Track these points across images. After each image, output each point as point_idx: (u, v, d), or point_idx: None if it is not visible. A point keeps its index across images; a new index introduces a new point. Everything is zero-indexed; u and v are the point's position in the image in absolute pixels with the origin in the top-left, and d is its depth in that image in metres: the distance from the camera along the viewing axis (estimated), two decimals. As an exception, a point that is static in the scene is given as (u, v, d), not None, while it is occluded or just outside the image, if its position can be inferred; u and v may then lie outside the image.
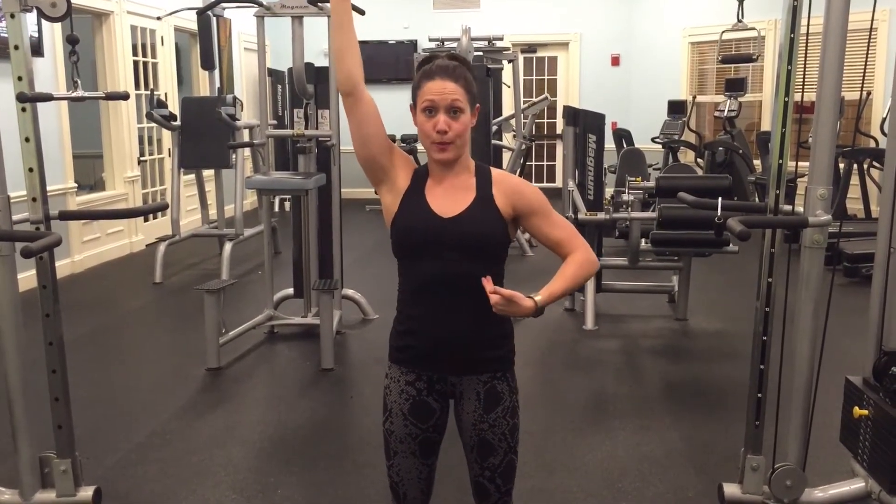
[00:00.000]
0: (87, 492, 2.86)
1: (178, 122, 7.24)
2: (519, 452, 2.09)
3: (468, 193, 1.98)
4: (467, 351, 2.00)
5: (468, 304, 1.93)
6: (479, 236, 1.95)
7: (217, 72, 8.43)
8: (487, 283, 1.85)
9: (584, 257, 1.99)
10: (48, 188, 2.82)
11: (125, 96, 3.25)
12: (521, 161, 8.42)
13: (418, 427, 2.06)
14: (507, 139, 9.09)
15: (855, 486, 2.73)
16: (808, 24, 2.53)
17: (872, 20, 2.71)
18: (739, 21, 5.00)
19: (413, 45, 11.49)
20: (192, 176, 7.93)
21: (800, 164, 2.97)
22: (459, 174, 2.01)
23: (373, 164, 2.01)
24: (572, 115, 6.45)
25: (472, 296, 1.89)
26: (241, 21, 9.62)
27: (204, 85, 9.17)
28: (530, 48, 11.86)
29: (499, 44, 7.84)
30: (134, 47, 8.15)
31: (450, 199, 1.98)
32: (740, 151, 9.00)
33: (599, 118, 5.97)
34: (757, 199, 7.89)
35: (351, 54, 1.98)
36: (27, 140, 2.71)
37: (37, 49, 6.47)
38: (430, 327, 1.99)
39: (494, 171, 2.06)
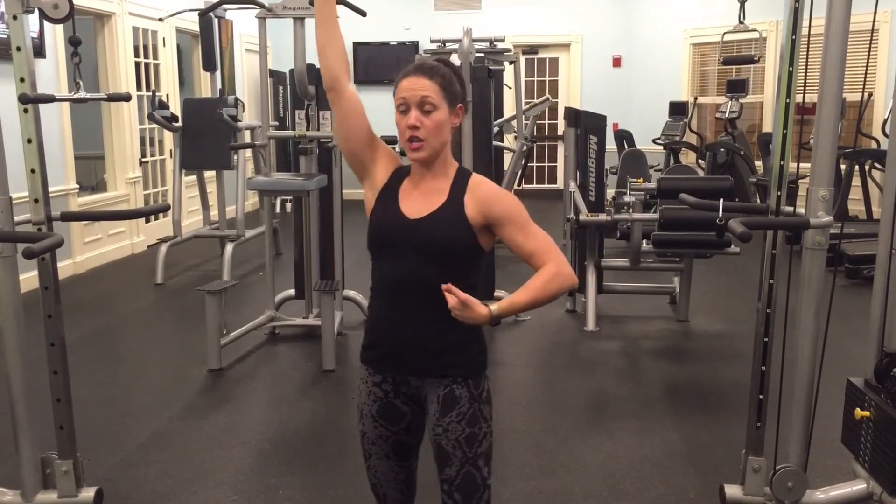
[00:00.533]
0: (88, 492, 2.87)
1: (179, 124, 7.24)
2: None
3: (439, 197, 1.95)
4: (427, 354, 1.95)
5: (430, 307, 1.89)
6: (441, 240, 1.91)
7: (219, 73, 8.43)
8: (447, 287, 1.81)
9: (554, 270, 1.89)
10: (50, 189, 2.83)
11: (127, 97, 3.26)
12: (523, 162, 8.42)
13: (388, 429, 2.03)
14: (509, 140, 9.09)
15: (856, 487, 2.74)
16: (810, 26, 2.53)
17: (874, 21, 2.72)
18: (741, 22, 4.99)
19: (414, 46, 11.49)
20: (194, 177, 7.93)
21: (801, 165, 2.97)
22: (437, 176, 1.97)
23: (354, 159, 2.03)
24: (573, 116, 6.45)
25: (435, 300, 1.84)
26: (243, 22, 9.63)
27: (205, 86, 9.18)
28: (532, 49, 11.85)
29: (500, 45, 7.83)
30: (136, 48, 8.16)
31: (421, 201, 1.95)
32: (742, 153, 9.00)
33: (601, 119, 5.97)
34: (758, 201, 7.88)
35: (333, 50, 2.00)
36: (29, 141, 2.72)
37: (39, 50, 6.48)
38: (392, 328, 1.97)
39: (475, 177, 1.99)
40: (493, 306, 1.85)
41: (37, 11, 2.69)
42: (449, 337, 1.94)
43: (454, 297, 1.79)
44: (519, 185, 8.39)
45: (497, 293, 5.37)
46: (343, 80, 2.01)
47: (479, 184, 1.98)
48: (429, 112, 1.90)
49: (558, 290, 1.90)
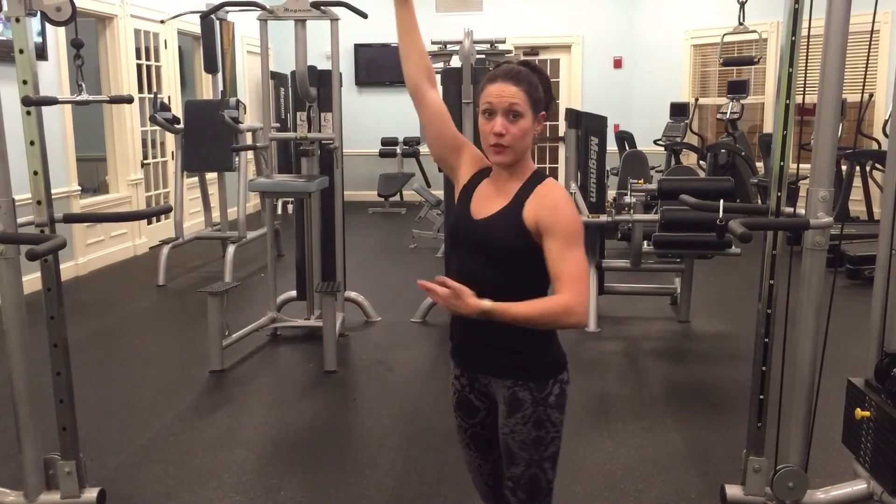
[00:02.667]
0: (91, 493, 2.88)
1: (181, 126, 7.25)
2: (556, 474, 2.00)
3: (504, 199, 1.95)
4: (487, 352, 1.98)
5: None
6: (497, 242, 1.92)
7: (220, 75, 8.45)
8: (441, 279, 1.77)
9: (566, 302, 1.80)
10: (52, 191, 2.83)
11: (129, 100, 3.26)
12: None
13: (465, 421, 2.10)
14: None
15: (857, 487, 2.74)
16: (810, 27, 2.53)
17: (874, 22, 2.72)
18: (741, 24, 5.01)
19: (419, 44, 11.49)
20: (196, 179, 7.94)
21: (801, 166, 2.97)
22: (510, 180, 1.96)
23: (443, 162, 2.10)
24: (574, 117, 6.45)
25: (494, 299, 1.79)
26: (245, 24, 9.63)
27: (207, 88, 9.19)
28: (532, 51, 11.86)
29: (501, 47, 7.83)
30: (137, 51, 8.17)
31: (488, 201, 1.97)
32: (742, 153, 9.01)
33: (602, 120, 5.97)
34: (759, 202, 7.89)
35: (411, 59, 2.06)
36: (32, 143, 2.73)
37: (41, 53, 6.49)
38: (459, 324, 2.01)
39: (547, 182, 1.94)
40: (487, 303, 1.79)
41: (39, 14, 2.70)
42: (508, 338, 1.92)
43: (445, 285, 1.76)
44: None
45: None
46: (423, 87, 2.05)
47: (548, 190, 1.92)
48: (515, 119, 1.88)
49: (558, 321, 1.84)
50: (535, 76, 1.93)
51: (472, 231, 1.97)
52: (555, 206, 1.89)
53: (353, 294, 5.68)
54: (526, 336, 1.91)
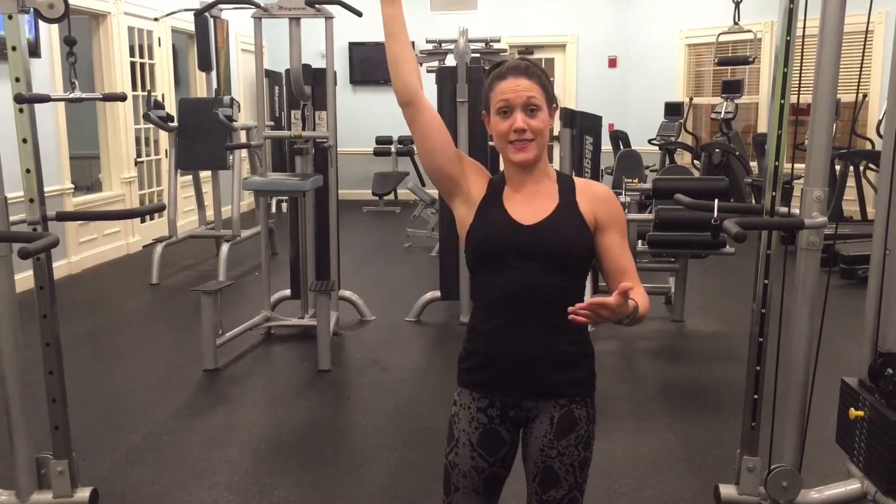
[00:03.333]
0: (83, 493, 2.86)
1: (175, 124, 7.24)
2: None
3: (550, 200, 1.85)
4: (546, 370, 1.84)
5: (548, 319, 1.79)
6: (562, 245, 1.81)
7: (214, 73, 8.44)
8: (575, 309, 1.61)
9: (647, 299, 1.79)
10: (45, 189, 2.82)
11: (123, 97, 3.25)
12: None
13: (485, 460, 1.89)
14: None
15: (851, 487, 2.74)
16: (805, 27, 2.53)
17: (868, 22, 2.72)
18: (736, 23, 5.01)
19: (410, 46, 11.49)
20: (189, 177, 7.93)
21: (796, 165, 2.98)
22: (540, 180, 1.87)
23: (442, 176, 1.89)
24: (569, 116, 6.45)
25: (557, 310, 1.69)
26: (239, 22, 9.62)
27: (201, 86, 9.17)
28: (527, 50, 11.83)
29: (496, 45, 7.84)
30: (131, 48, 8.15)
31: (531, 206, 1.84)
32: (737, 153, 9.02)
33: (596, 120, 5.97)
34: (753, 201, 7.90)
35: (406, 64, 1.90)
36: (24, 141, 2.71)
37: (34, 50, 6.47)
38: (506, 344, 1.82)
39: (580, 180, 1.92)
40: (632, 301, 1.68)
41: (32, 11, 2.69)
42: (572, 351, 1.85)
43: (609, 300, 1.59)
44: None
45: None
46: (421, 93, 1.88)
47: (587, 184, 1.91)
48: (534, 112, 1.81)
49: (645, 314, 1.79)
50: (539, 68, 1.86)
51: (523, 238, 1.81)
52: (608, 199, 1.88)
53: (347, 293, 5.67)
54: (583, 348, 1.88)
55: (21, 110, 2.70)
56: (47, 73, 6.75)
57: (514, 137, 1.80)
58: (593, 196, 1.86)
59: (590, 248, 1.84)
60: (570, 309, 1.59)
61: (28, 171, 2.73)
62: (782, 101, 2.59)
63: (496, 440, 1.89)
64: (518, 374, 1.84)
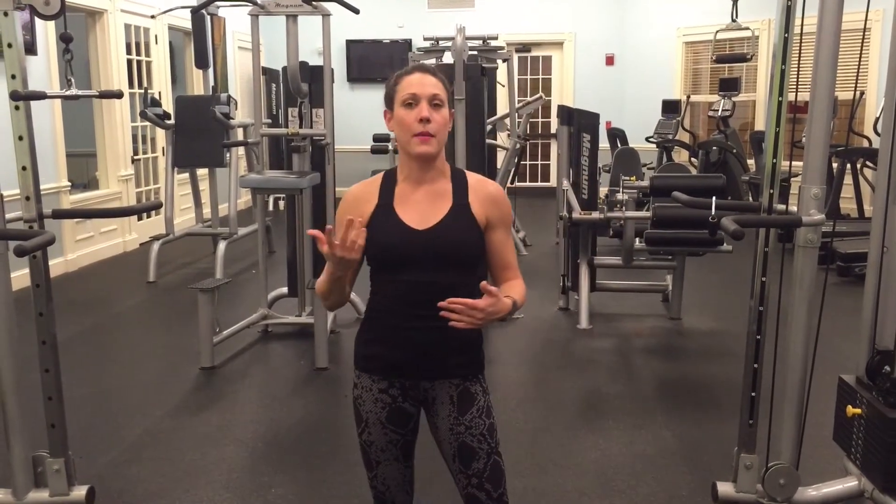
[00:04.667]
0: (80, 491, 2.86)
1: (172, 121, 7.22)
2: (504, 454, 2.06)
3: (444, 201, 1.97)
4: (441, 357, 1.99)
5: (440, 310, 1.85)
6: (454, 246, 1.95)
7: (211, 70, 8.40)
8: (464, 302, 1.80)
9: (523, 287, 2.03)
10: (41, 187, 2.81)
11: (119, 95, 3.24)
12: (516, 160, 8.42)
13: (398, 433, 2.05)
14: (502, 138, 9.09)
15: (848, 484, 2.75)
16: (802, 24, 2.53)
17: (866, 20, 2.72)
18: (733, 21, 5.02)
19: (408, 44, 11.48)
20: (186, 175, 7.91)
21: (793, 163, 2.98)
22: (436, 179, 1.99)
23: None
24: (567, 114, 6.46)
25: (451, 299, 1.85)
26: (236, 19, 9.61)
27: (198, 83, 9.15)
28: (525, 47, 11.86)
29: (493, 43, 7.83)
30: (128, 46, 8.13)
31: (424, 209, 1.96)
32: (734, 151, 9.03)
33: (594, 117, 5.97)
34: (751, 199, 7.90)
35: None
36: (20, 138, 2.71)
37: (30, 47, 6.45)
38: (403, 336, 1.97)
39: (470, 176, 2.04)
40: (513, 296, 1.93)
41: (28, 8, 2.68)
42: (462, 338, 1.95)
43: (469, 305, 1.79)
44: (512, 182, 8.39)
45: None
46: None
47: (481, 182, 2.03)
48: (438, 107, 1.93)
49: (522, 304, 2.00)
50: (442, 75, 2.00)
51: (419, 243, 1.94)
52: (496, 199, 2.02)
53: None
54: (474, 334, 2.02)
55: (17, 107, 2.69)
56: (43, 70, 6.74)
57: (420, 129, 1.91)
58: (486, 197, 2.00)
59: (480, 246, 2.00)
60: (443, 314, 1.79)
61: (24, 168, 2.72)
62: (780, 99, 2.59)
63: (403, 415, 2.05)
64: (415, 361, 2.00)
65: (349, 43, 11.64)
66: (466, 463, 2.01)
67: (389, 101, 1.98)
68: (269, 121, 8.99)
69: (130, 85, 8.16)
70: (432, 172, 1.99)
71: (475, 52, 7.35)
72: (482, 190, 2.01)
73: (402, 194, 1.99)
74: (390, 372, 2.02)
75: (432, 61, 6.89)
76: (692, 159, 9.99)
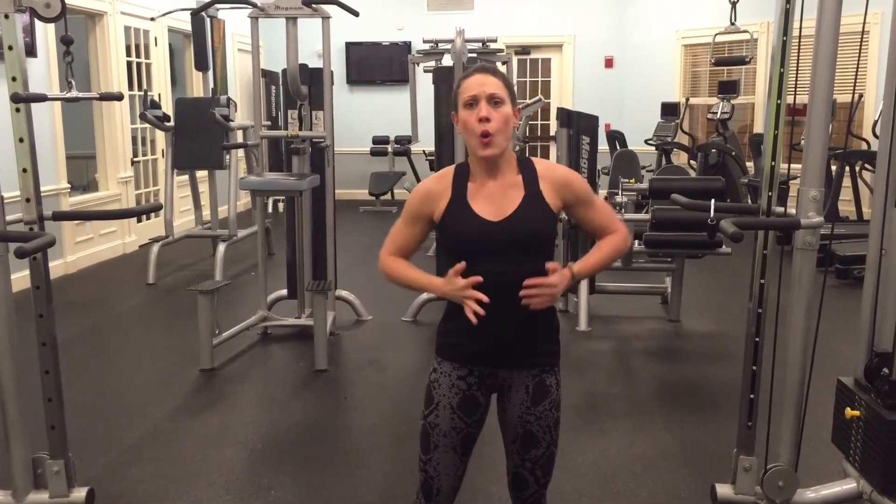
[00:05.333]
0: (80, 493, 2.86)
1: (171, 123, 7.23)
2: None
3: (516, 191, 2.03)
4: (522, 346, 2.06)
5: (519, 299, 1.96)
6: (531, 235, 2.02)
7: (211, 73, 8.42)
8: (530, 282, 1.94)
9: (619, 239, 2.11)
10: (42, 189, 2.82)
11: (119, 97, 3.25)
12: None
13: (464, 421, 2.10)
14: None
15: (847, 486, 2.75)
16: (801, 27, 2.54)
17: (864, 23, 2.73)
18: (732, 24, 5.03)
19: (407, 46, 11.49)
20: (186, 177, 7.92)
21: (792, 166, 2.98)
22: (505, 173, 2.04)
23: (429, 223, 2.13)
24: (566, 116, 6.46)
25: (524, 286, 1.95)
26: (235, 22, 9.60)
27: (198, 86, 9.15)
28: (524, 50, 11.87)
29: (493, 45, 7.85)
30: (127, 48, 8.14)
31: (497, 201, 2.02)
32: (733, 153, 9.03)
33: (593, 120, 5.98)
34: (749, 201, 7.91)
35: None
36: (21, 140, 2.71)
37: (30, 50, 6.46)
38: (484, 325, 1.98)
39: (538, 162, 2.10)
40: (575, 266, 2.04)
41: (28, 10, 2.69)
42: (544, 327, 2.08)
43: (543, 283, 1.93)
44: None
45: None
46: (404, 257, 2.20)
47: (548, 169, 2.10)
48: (498, 105, 1.98)
49: (620, 252, 2.14)
50: (504, 74, 2.07)
51: (495, 234, 2.00)
52: (566, 180, 2.09)
53: (343, 293, 5.67)
54: (553, 325, 2.12)
55: (17, 110, 2.69)
56: (44, 72, 6.74)
57: (481, 129, 1.96)
58: (556, 182, 2.07)
59: (553, 231, 2.10)
60: (524, 302, 1.94)
61: (24, 170, 2.72)
62: (779, 102, 2.59)
63: (473, 404, 2.11)
64: (497, 350, 2.06)
65: (349, 45, 11.65)
66: (527, 448, 2.11)
67: (455, 105, 2.04)
68: (269, 123, 9.01)
69: (130, 87, 8.17)
70: (502, 166, 2.04)
71: (474, 55, 7.36)
72: (551, 175, 2.07)
73: (475, 189, 2.05)
74: (471, 360, 2.09)
75: (432, 64, 6.90)
76: (691, 162, 10.00)
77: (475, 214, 2.01)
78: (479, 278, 1.94)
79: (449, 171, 2.10)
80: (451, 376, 2.10)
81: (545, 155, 12.11)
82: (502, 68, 8.86)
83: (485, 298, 1.92)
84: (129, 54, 8.16)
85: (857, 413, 2.60)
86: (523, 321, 1.99)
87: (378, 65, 11.71)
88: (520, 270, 1.96)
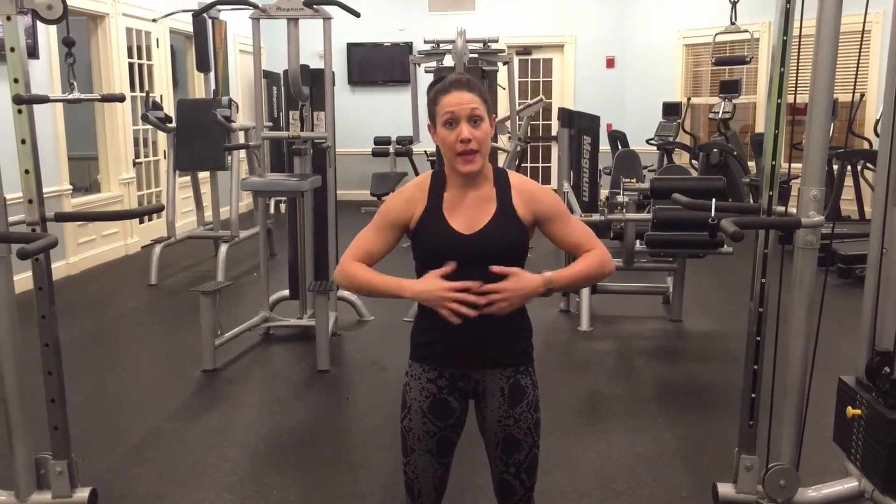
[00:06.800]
0: (83, 493, 2.86)
1: (173, 124, 7.23)
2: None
3: (489, 205, 2.01)
4: (491, 346, 2.04)
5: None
6: (500, 248, 1.99)
7: (212, 74, 8.43)
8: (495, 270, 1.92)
9: (601, 255, 2.04)
10: (44, 190, 2.82)
11: (121, 98, 3.26)
12: (517, 163, 8.43)
13: (436, 425, 2.09)
14: (503, 141, 9.10)
15: (848, 485, 2.75)
16: (801, 27, 2.54)
17: (865, 22, 2.73)
18: (733, 23, 5.03)
19: (408, 47, 11.50)
20: (188, 178, 7.93)
21: (793, 165, 2.98)
22: (480, 185, 2.03)
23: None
24: (567, 116, 6.47)
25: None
26: (237, 23, 9.62)
27: (199, 87, 9.17)
28: (525, 50, 11.87)
29: (494, 46, 7.82)
30: (129, 49, 8.15)
31: (471, 214, 2.01)
32: (734, 153, 9.03)
33: (594, 120, 5.99)
34: (751, 201, 7.91)
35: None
36: (23, 142, 2.71)
37: (32, 51, 6.47)
38: (454, 328, 1.97)
39: (512, 176, 2.08)
40: (548, 273, 1.98)
41: (31, 12, 2.69)
42: (511, 326, 2.04)
43: (497, 288, 1.90)
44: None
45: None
46: (369, 264, 2.15)
47: (522, 184, 2.07)
48: (477, 123, 1.96)
49: (596, 273, 2.06)
50: (478, 81, 2.03)
51: (467, 247, 1.98)
52: (538, 195, 2.06)
53: (345, 293, 5.67)
54: (523, 323, 2.09)
55: (20, 111, 2.70)
56: (46, 74, 6.75)
57: (461, 148, 1.94)
58: (528, 196, 2.05)
59: (525, 244, 2.05)
60: (486, 310, 1.91)
61: (27, 171, 2.73)
62: (779, 101, 2.60)
63: (446, 408, 2.09)
64: (465, 351, 2.04)
65: (350, 46, 11.65)
66: (509, 453, 2.08)
67: (431, 117, 2.02)
68: (271, 124, 9.02)
69: (132, 88, 8.17)
70: (478, 179, 2.02)
71: (476, 55, 7.34)
72: (524, 188, 2.05)
73: (450, 200, 2.03)
74: (441, 361, 2.07)
75: (433, 64, 6.90)
76: (693, 161, 9.99)
77: (448, 226, 2.00)
78: (469, 284, 1.91)
79: (426, 178, 2.08)
80: (422, 379, 2.10)
81: (546, 155, 12.12)
82: (503, 69, 8.87)
83: (471, 314, 1.90)
84: (130, 56, 8.17)
85: (858, 412, 2.60)
86: (490, 322, 1.95)
87: (379, 65, 11.72)
88: (490, 282, 1.94)
